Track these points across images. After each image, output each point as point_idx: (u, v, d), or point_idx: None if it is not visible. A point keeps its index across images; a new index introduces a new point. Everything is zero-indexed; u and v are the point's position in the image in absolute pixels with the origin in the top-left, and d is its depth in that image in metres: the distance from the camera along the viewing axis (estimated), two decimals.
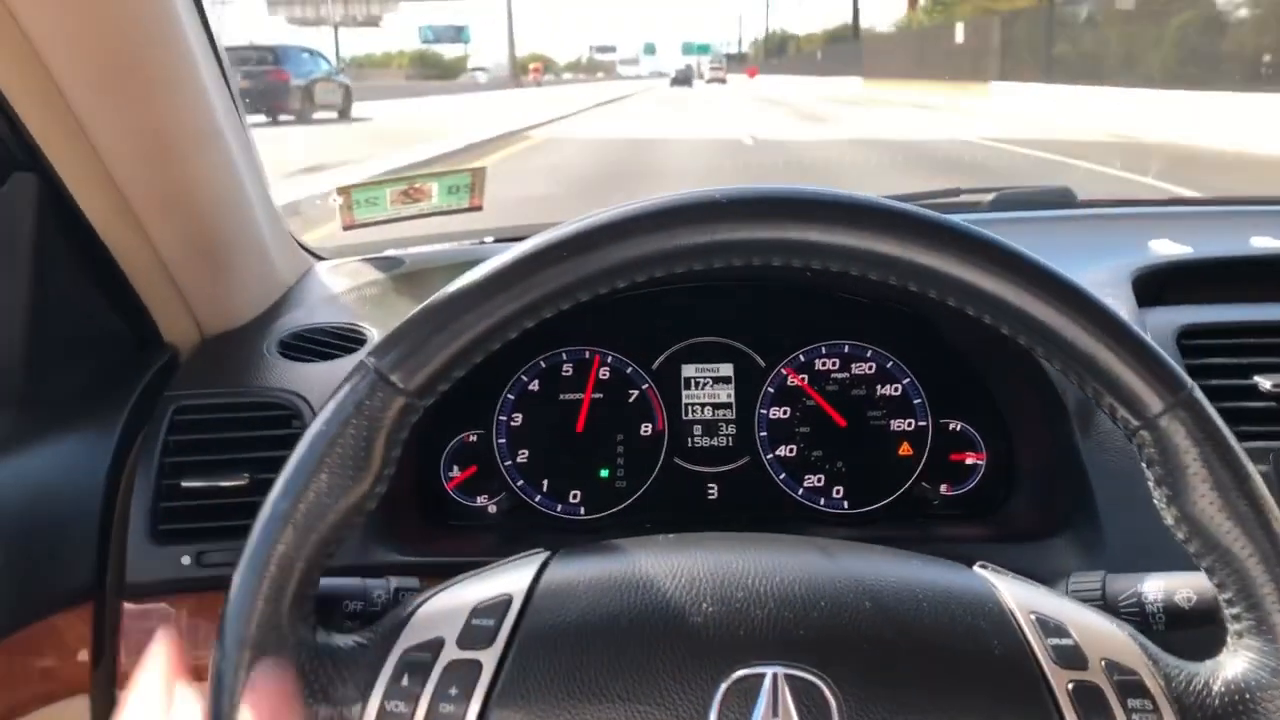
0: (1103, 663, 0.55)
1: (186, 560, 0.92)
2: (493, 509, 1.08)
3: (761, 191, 0.55)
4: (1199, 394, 0.54)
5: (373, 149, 11.08)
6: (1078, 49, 21.82)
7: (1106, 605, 0.66)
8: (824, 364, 1.11)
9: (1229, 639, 0.56)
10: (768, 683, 0.53)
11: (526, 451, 1.09)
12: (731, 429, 1.10)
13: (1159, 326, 1.01)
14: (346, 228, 1.29)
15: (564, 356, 1.11)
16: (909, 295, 0.58)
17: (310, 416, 0.96)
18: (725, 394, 1.11)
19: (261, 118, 15.94)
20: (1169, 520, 0.55)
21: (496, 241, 1.43)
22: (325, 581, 0.59)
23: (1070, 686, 0.54)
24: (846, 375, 1.11)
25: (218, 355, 1.08)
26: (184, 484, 0.94)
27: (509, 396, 1.10)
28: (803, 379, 1.11)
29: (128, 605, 0.92)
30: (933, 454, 1.08)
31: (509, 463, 1.09)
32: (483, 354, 0.55)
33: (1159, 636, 0.60)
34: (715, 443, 1.10)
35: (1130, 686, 0.54)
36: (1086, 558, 0.89)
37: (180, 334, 1.10)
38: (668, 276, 0.56)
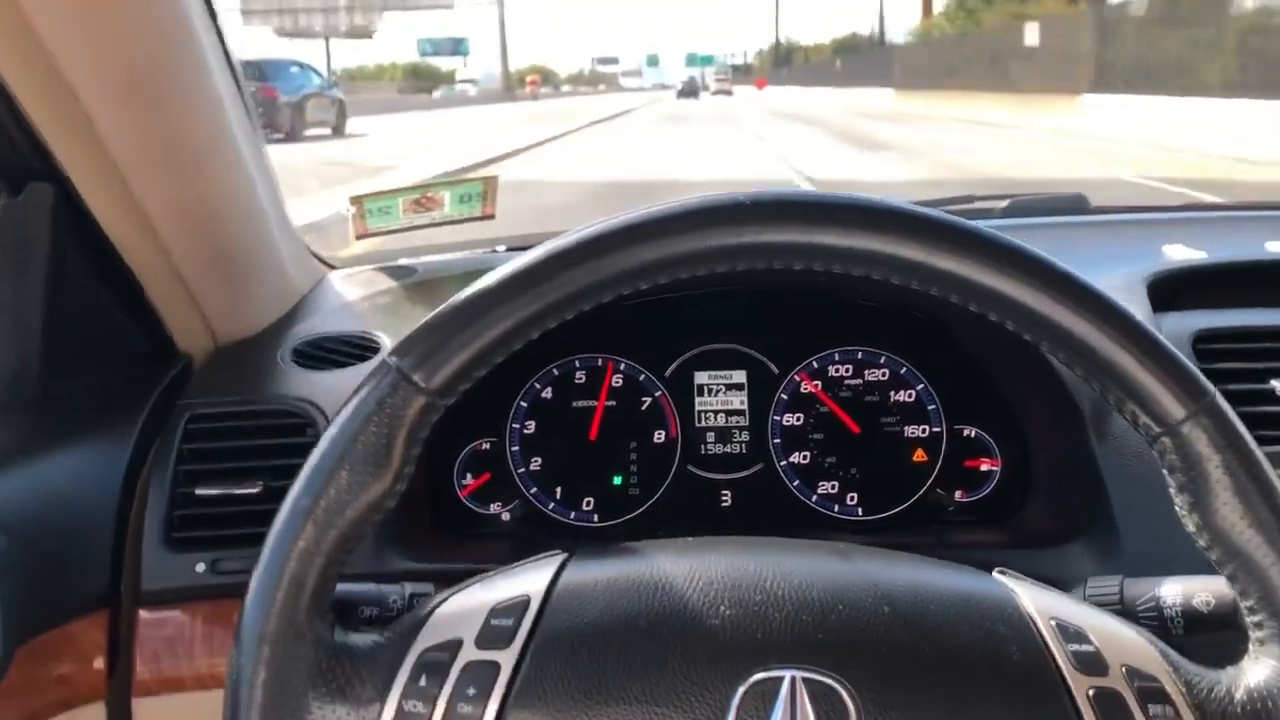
0: (1123, 669, 0.55)
1: (201, 568, 0.92)
2: (506, 516, 1.07)
3: (785, 195, 0.55)
4: (1221, 401, 0.54)
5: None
6: (1176, 55, 17.43)
7: (1124, 609, 0.65)
8: (837, 370, 1.11)
9: (1251, 646, 0.56)
10: (786, 686, 0.52)
11: (539, 459, 1.09)
12: (745, 436, 1.10)
13: (1174, 332, 1.00)
14: (359, 237, 1.30)
15: (577, 364, 1.11)
16: (923, 300, 0.58)
17: (323, 424, 0.96)
18: (738, 401, 1.11)
19: None
20: (1190, 527, 0.55)
21: (508, 250, 1.44)
22: (341, 587, 0.59)
23: (1091, 693, 0.53)
24: (860, 381, 1.10)
25: (231, 363, 1.08)
26: (198, 492, 0.94)
27: (522, 404, 1.10)
28: (816, 385, 1.10)
29: (143, 613, 0.93)
30: (947, 460, 1.07)
31: (522, 470, 1.09)
32: (505, 354, 0.56)
33: (1177, 641, 0.59)
34: (728, 450, 1.10)
35: (1151, 693, 0.54)
36: (1103, 563, 0.88)
37: (194, 342, 1.10)
38: (681, 283, 0.56)
